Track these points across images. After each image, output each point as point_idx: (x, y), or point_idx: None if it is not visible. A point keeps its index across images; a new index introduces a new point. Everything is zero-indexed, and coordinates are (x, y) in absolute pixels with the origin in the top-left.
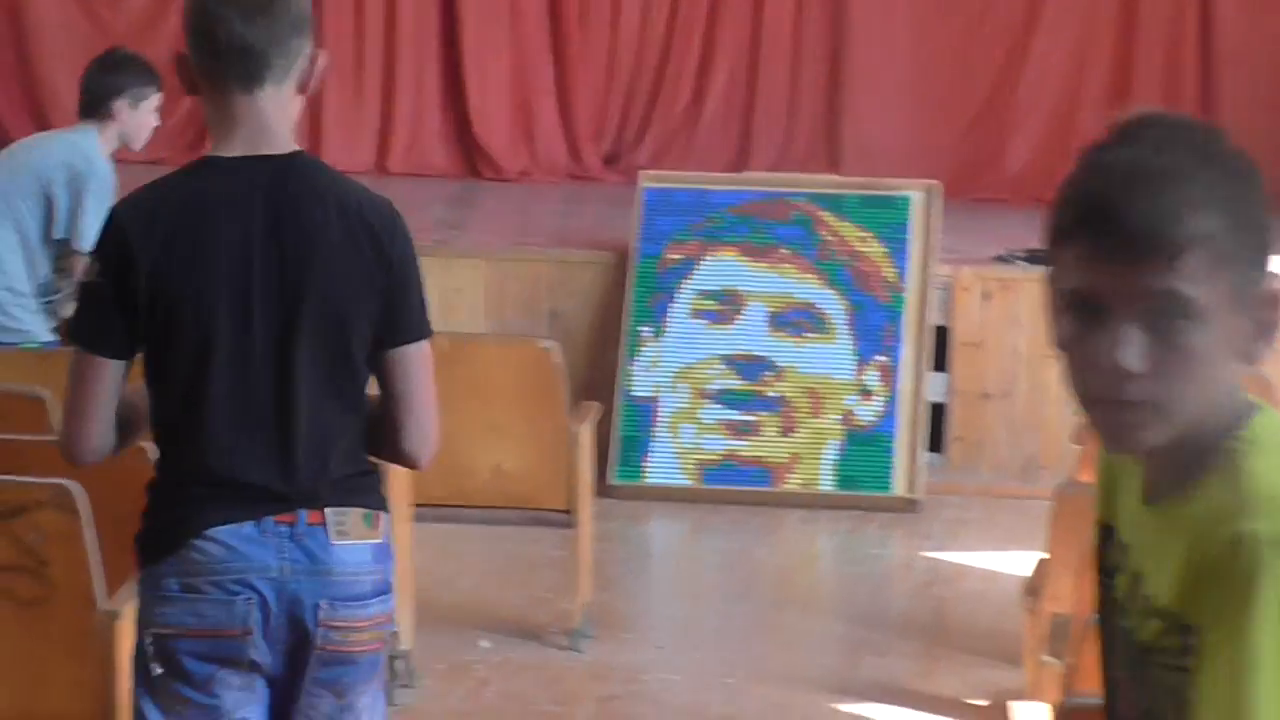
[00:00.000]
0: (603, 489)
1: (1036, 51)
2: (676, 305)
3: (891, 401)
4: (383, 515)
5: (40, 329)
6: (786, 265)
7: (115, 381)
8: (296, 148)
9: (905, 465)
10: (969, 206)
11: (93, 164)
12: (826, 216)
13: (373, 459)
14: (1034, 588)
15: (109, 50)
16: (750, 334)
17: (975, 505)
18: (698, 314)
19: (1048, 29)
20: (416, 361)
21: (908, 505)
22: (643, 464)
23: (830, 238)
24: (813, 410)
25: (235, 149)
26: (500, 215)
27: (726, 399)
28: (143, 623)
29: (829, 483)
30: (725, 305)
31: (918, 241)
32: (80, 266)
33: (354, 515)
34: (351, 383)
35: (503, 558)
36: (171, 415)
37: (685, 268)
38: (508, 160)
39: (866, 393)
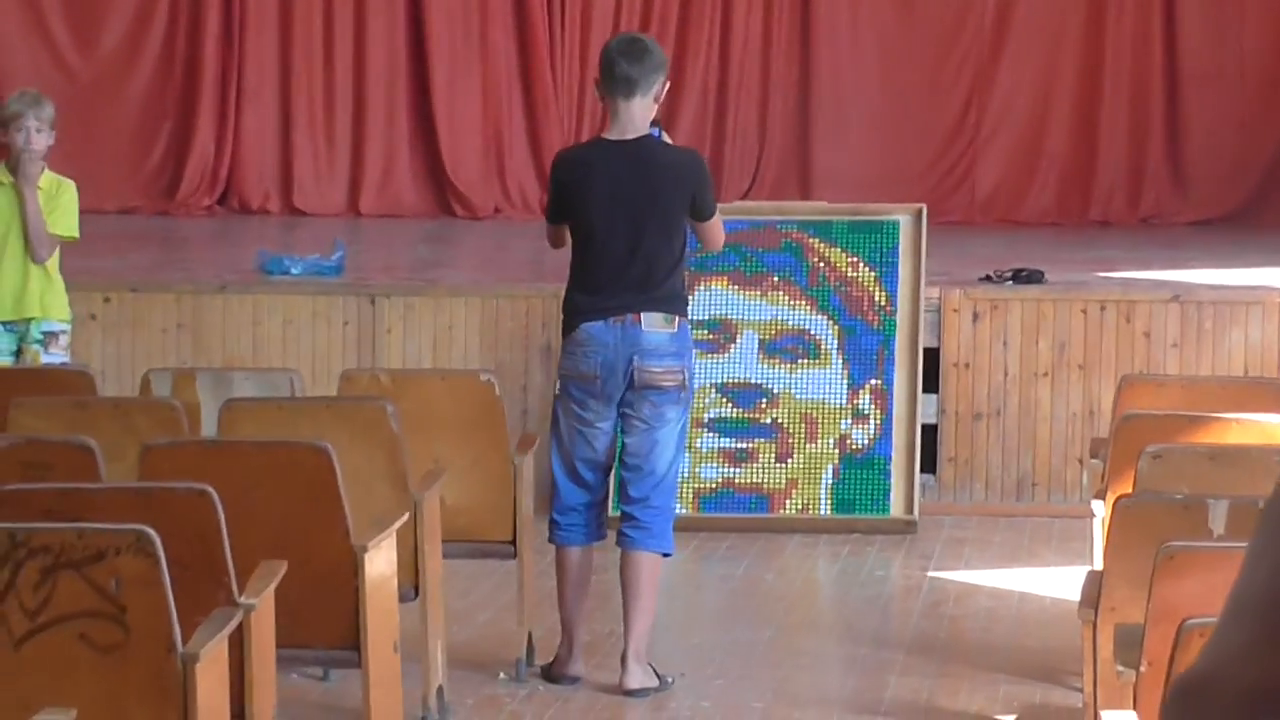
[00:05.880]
0: None
1: (1003, 77)
2: None
3: (886, 424)
4: (678, 318)
5: None
6: (778, 293)
7: (562, 232)
8: (645, 132)
9: (902, 487)
10: (940, 230)
11: None
12: (816, 243)
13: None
14: (1089, 599)
15: None
16: (744, 362)
17: (970, 524)
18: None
19: (1014, 54)
20: (709, 225)
21: (906, 526)
22: None
23: (820, 264)
24: (808, 435)
25: (613, 134)
26: (480, 252)
27: (722, 427)
28: (558, 368)
29: (826, 507)
30: (718, 334)
31: (907, 265)
32: None
33: (658, 316)
34: (669, 246)
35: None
36: (575, 258)
37: None
38: (480, 198)
39: (861, 416)
